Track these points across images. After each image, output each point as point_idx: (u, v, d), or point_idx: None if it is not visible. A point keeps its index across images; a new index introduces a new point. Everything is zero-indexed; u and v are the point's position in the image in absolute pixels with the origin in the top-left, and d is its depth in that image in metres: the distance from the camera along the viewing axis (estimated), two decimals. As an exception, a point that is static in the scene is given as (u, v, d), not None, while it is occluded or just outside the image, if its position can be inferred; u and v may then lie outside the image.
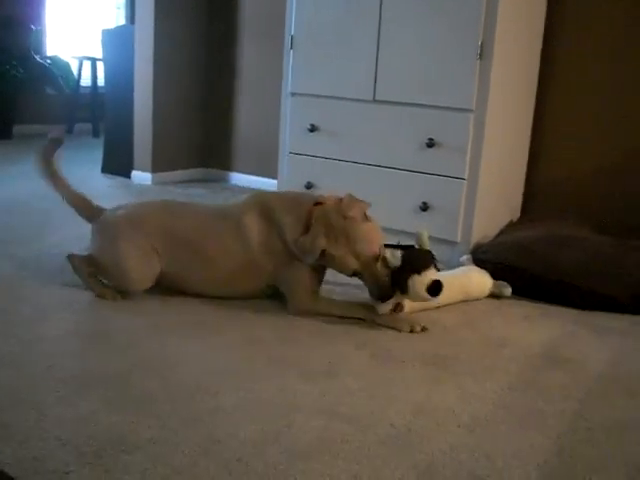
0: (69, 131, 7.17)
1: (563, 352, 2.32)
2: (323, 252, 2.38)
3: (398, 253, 2.41)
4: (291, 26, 3.56)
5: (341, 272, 2.43)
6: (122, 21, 7.70)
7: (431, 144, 3.21)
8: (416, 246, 2.46)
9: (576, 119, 3.63)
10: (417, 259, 2.39)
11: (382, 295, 2.37)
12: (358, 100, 3.41)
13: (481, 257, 2.92)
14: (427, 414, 1.84)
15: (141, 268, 2.49)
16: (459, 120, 3.14)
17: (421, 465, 1.60)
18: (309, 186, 3.57)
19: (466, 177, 3.16)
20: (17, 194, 4.13)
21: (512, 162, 3.56)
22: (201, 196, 4.46)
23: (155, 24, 4.57)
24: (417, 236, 2.47)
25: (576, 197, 3.65)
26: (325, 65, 3.48)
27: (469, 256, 2.94)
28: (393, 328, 2.39)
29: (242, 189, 4.78)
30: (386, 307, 2.41)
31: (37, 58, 6.63)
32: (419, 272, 2.34)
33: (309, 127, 3.55)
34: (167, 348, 2.15)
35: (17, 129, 6.63)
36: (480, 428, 1.79)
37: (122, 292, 2.51)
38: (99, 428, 1.66)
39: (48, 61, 6.79)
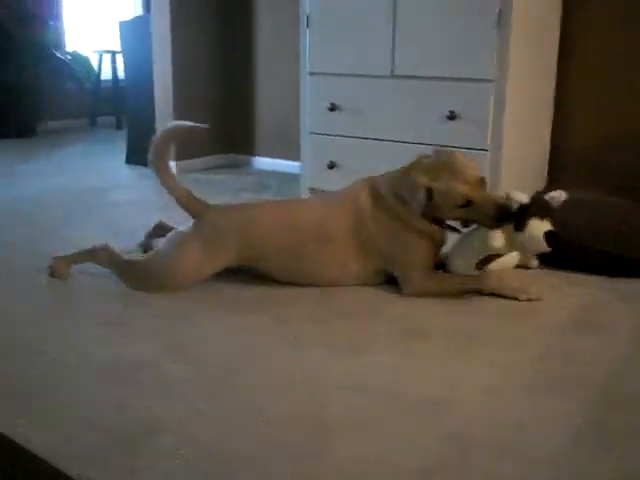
0: (92, 124, 7.22)
1: (592, 320, 2.29)
2: (430, 195, 2.34)
3: (524, 194, 2.38)
4: (306, 5, 3.54)
5: (451, 209, 2.37)
6: (139, 11, 7.71)
7: (452, 117, 3.17)
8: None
9: (599, 85, 3.57)
10: (544, 205, 2.36)
11: (501, 215, 2.33)
12: (376, 76, 3.39)
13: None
14: (455, 386, 1.83)
15: (182, 272, 2.44)
16: (479, 91, 3.10)
17: (450, 436, 1.59)
18: (331, 165, 3.56)
19: (489, 148, 3.13)
20: (41, 190, 4.18)
21: (535, 131, 3.52)
22: (228, 181, 4.47)
23: (171, 10, 4.56)
24: (551, 194, 2.43)
25: (602, 164, 3.60)
26: (342, 43, 3.46)
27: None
28: (511, 297, 2.38)
29: (266, 173, 4.78)
30: (501, 241, 2.35)
31: (57, 54, 6.66)
32: (542, 217, 2.31)
33: (329, 106, 3.53)
34: (194, 330, 2.16)
35: (40, 126, 6.69)
36: (509, 397, 1.77)
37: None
38: (129, 412, 1.67)
39: (68, 56, 6.82)
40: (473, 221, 2.45)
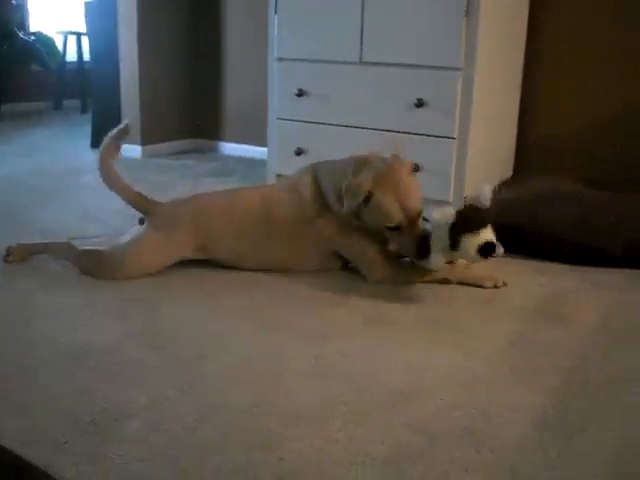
0: (57, 107, 7.11)
1: (558, 308, 2.32)
2: (368, 200, 2.31)
3: (451, 209, 2.31)
4: (275, -10, 3.52)
5: (376, 224, 2.36)
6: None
7: (420, 104, 3.18)
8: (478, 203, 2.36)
9: (566, 75, 3.60)
10: (473, 217, 2.29)
11: (421, 253, 2.32)
12: (345, 62, 3.38)
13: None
14: (422, 373, 1.84)
15: (144, 259, 2.47)
16: (447, 79, 3.11)
17: (417, 424, 1.60)
18: (299, 152, 3.55)
19: (456, 136, 3.14)
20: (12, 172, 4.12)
21: (503, 120, 3.54)
22: (192, 167, 4.44)
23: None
24: (478, 191, 2.33)
25: (568, 154, 3.64)
26: (310, 28, 3.44)
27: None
28: (477, 285, 2.41)
29: (232, 158, 4.76)
30: (440, 262, 2.32)
31: (20, 34, 6.55)
32: (473, 231, 2.25)
33: (297, 92, 3.52)
34: (161, 316, 2.15)
35: (4, 108, 6.57)
36: (476, 385, 1.79)
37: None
38: (95, 398, 1.66)
39: (32, 37, 6.72)
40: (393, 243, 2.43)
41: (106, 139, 2.58)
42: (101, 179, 2.57)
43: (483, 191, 2.30)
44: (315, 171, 2.53)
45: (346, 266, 2.56)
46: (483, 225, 2.26)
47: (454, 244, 2.27)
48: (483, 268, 2.50)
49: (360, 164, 2.41)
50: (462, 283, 2.44)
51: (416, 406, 1.68)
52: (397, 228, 2.34)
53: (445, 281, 2.44)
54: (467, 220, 2.27)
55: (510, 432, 1.58)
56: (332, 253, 2.53)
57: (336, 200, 2.42)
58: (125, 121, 2.62)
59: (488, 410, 1.67)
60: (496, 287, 2.41)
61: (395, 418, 1.62)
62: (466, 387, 1.78)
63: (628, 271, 2.66)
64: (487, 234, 2.26)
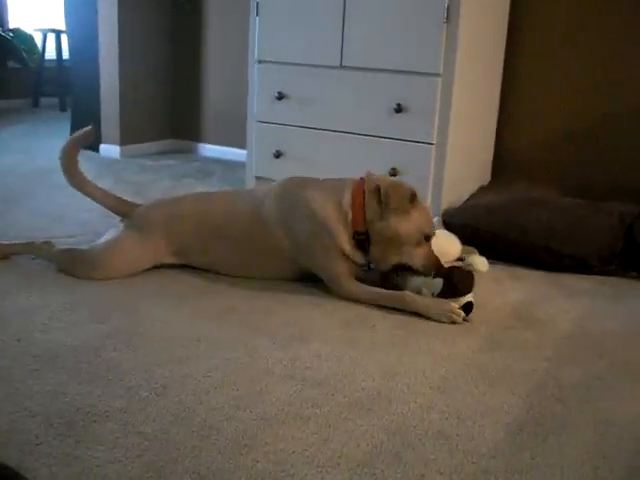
0: (35, 104, 7.06)
1: (533, 313, 2.34)
2: (413, 200, 2.31)
3: (439, 281, 2.28)
4: (256, -8, 3.52)
5: (403, 241, 2.31)
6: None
7: (399, 109, 3.20)
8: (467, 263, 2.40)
9: (544, 84, 3.63)
10: (459, 284, 2.26)
11: (435, 269, 2.31)
12: (325, 66, 3.39)
13: (450, 221, 2.94)
14: (397, 376, 1.85)
15: (119, 260, 2.46)
16: (427, 85, 3.13)
17: (391, 427, 1.61)
18: (278, 154, 3.55)
19: (435, 142, 3.16)
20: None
21: (481, 127, 3.57)
22: (172, 167, 4.42)
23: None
24: (470, 257, 2.38)
25: (545, 162, 3.67)
26: (291, 31, 3.45)
27: (438, 218, 2.95)
28: (434, 320, 2.23)
29: (212, 160, 4.75)
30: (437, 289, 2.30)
31: (-1, 31, 6.51)
32: (458, 297, 2.25)
33: (277, 95, 3.52)
34: (137, 318, 2.14)
35: (-19, 105, 6.52)
36: (450, 389, 1.80)
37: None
38: (69, 399, 1.65)
39: (10, 34, 6.66)
40: (406, 268, 2.36)
41: (66, 143, 2.57)
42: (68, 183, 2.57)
43: (476, 262, 2.32)
44: (289, 189, 2.48)
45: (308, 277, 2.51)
46: (468, 292, 2.26)
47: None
48: (444, 302, 2.40)
49: (372, 176, 2.41)
50: (417, 313, 2.27)
51: (391, 409, 1.69)
52: (426, 239, 2.33)
53: (407, 309, 2.30)
54: (454, 290, 2.25)
55: (484, 435, 1.59)
56: (296, 268, 2.49)
57: (339, 215, 2.37)
58: (89, 127, 2.60)
59: (462, 414, 1.68)
60: (453, 323, 2.22)
61: (370, 421, 1.63)
62: (441, 391, 1.79)
63: (600, 278, 2.70)
64: (469, 296, 2.26)
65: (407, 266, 2.35)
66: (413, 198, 2.32)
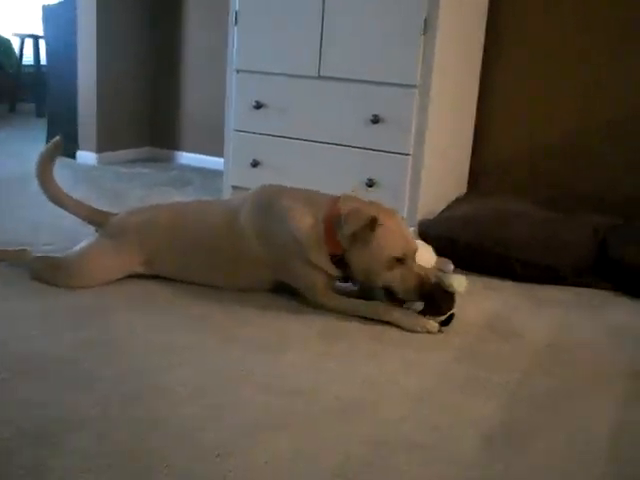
0: (11, 110, 7.01)
1: (506, 324, 2.36)
2: (373, 226, 2.23)
3: (419, 305, 2.30)
4: (235, 1, 3.52)
5: (380, 261, 2.25)
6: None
7: (376, 120, 3.21)
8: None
9: (521, 97, 3.67)
10: (442, 303, 2.26)
11: (422, 291, 2.25)
12: (303, 76, 3.39)
13: (425, 231, 2.95)
14: (372, 386, 1.86)
15: (93, 268, 2.46)
16: (403, 96, 3.15)
17: (366, 436, 1.61)
18: (255, 164, 3.55)
19: (411, 153, 3.18)
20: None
21: (458, 139, 3.60)
22: (149, 175, 4.41)
23: (97, -1, 4.48)
24: (448, 278, 2.29)
25: (521, 173, 3.71)
26: (270, 41, 3.46)
27: (414, 229, 2.96)
28: (409, 330, 2.24)
29: (189, 168, 4.74)
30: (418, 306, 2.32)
31: (-25, 36, 6.46)
32: (439, 315, 2.27)
33: (254, 104, 3.52)
34: (112, 327, 2.13)
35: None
36: (425, 399, 1.82)
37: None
38: (42, 408, 1.64)
39: (-13, 39, 6.63)
40: (387, 289, 2.31)
41: (39, 158, 2.56)
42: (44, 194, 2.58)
43: (458, 282, 2.30)
44: (266, 198, 2.46)
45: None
46: (450, 310, 2.28)
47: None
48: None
49: (348, 198, 2.37)
50: (393, 324, 2.29)
51: (366, 419, 1.69)
52: (400, 261, 2.26)
53: (381, 319, 2.31)
54: (438, 310, 2.27)
55: (458, 445, 1.60)
56: (269, 279, 2.48)
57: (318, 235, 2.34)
58: (58, 137, 2.60)
59: (437, 424, 1.69)
60: (428, 332, 2.23)
61: (345, 430, 1.63)
62: (415, 401, 1.80)
63: (574, 289, 2.73)
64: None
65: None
66: (373, 224, 2.24)
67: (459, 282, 2.28)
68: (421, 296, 2.27)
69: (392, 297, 2.32)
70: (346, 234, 2.26)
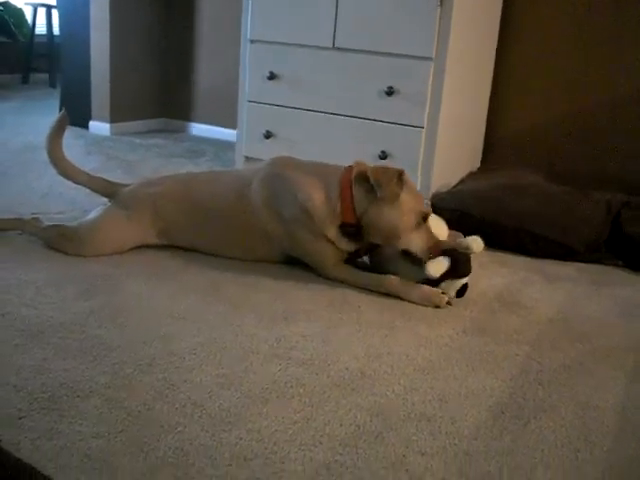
0: (25, 81, 7.01)
1: (516, 298, 2.36)
2: (401, 184, 2.23)
3: (446, 262, 2.24)
4: (250, -29, 3.50)
5: (404, 220, 2.24)
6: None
7: (390, 92, 3.19)
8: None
9: (536, 71, 3.64)
10: (461, 265, 2.26)
11: (434, 252, 2.25)
12: (318, 47, 3.37)
13: (439, 204, 2.94)
14: (381, 358, 1.86)
15: (105, 237, 2.46)
16: (419, 68, 3.13)
17: (374, 407, 1.62)
18: (268, 135, 3.55)
19: (425, 126, 3.16)
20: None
21: (472, 112, 3.57)
22: (162, 146, 4.41)
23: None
24: (465, 240, 2.29)
25: (535, 148, 3.69)
26: (285, 12, 3.43)
27: (427, 202, 2.95)
28: (420, 304, 2.24)
29: (203, 139, 4.74)
30: (438, 272, 2.27)
31: (-12, 5, 6.45)
32: (458, 278, 2.26)
33: (268, 75, 3.51)
34: (123, 295, 2.14)
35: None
36: (433, 371, 1.82)
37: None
38: (54, 375, 1.65)
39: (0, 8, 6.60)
40: (405, 251, 2.30)
41: (49, 133, 2.57)
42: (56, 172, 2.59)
43: (474, 245, 2.29)
44: (277, 170, 2.44)
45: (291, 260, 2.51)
46: (468, 274, 2.28)
47: (436, 283, 2.28)
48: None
49: (360, 164, 2.35)
50: (403, 299, 2.28)
51: (374, 390, 1.70)
52: (424, 219, 2.27)
53: (391, 293, 2.30)
54: (456, 271, 2.25)
55: (466, 418, 1.61)
56: (280, 252, 2.48)
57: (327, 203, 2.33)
58: (62, 111, 2.61)
59: (445, 396, 1.69)
60: (437, 307, 2.23)
61: (353, 401, 1.64)
62: (424, 373, 1.80)
63: (584, 265, 2.72)
64: (465, 278, 2.28)
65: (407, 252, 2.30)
66: (400, 179, 2.25)
67: (477, 244, 2.27)
68: (444, 253, 2.24)
69: (412, 259, 2.29)
70: (383, 192, 2.23)
